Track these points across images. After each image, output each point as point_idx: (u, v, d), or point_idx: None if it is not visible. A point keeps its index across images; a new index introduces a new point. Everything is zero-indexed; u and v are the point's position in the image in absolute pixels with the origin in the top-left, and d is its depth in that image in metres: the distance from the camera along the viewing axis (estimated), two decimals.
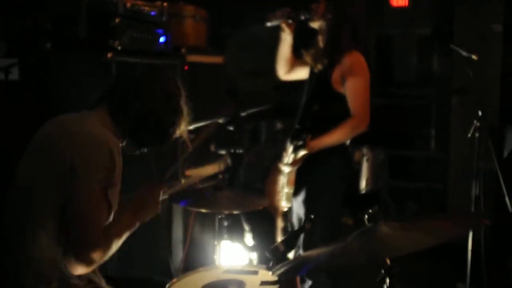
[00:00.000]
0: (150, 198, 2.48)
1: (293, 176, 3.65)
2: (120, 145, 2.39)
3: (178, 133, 2.52)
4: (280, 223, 3.87)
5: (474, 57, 4.05)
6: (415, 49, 7.11)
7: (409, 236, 2.06)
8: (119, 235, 2.30)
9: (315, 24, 3.73)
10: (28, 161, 2.33)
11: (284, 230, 3.86)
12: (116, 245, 2.28)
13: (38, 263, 2.23)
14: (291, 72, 3.99)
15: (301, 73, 3.93)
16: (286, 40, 3.88)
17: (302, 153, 3.49)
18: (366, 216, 2.11)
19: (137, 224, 2.40)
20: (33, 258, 2.23)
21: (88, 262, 2.20)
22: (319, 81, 3.71)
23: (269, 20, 3.81)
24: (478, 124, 3.96)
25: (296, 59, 3.97)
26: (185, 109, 2.51)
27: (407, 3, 6.85)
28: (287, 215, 3.85)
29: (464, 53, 4.11)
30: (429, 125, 6.79)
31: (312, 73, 3.81)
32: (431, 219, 2.24)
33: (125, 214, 2.40)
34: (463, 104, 5.81)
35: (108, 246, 2.25)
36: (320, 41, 3.73)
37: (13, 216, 2.30)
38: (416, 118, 6.90)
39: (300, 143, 3.43)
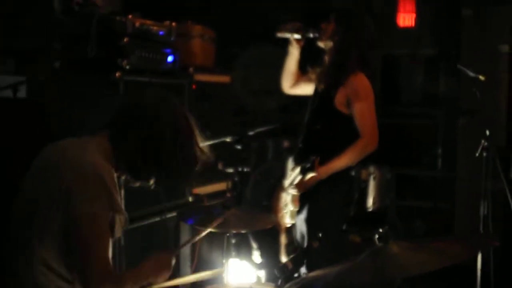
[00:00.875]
0: (166, 263, 2.46)
1: (297, 195, 3.66)
2: (115, 174, 2.36)
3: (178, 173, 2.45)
4: (283, 240, 3.87)
5: (481, 77, 4.05)
6: (421, 69, 7.12)
7: (420, 256, 2.06)
8: (133, 282, 2.28)
9: (322, 44, 3.75)
10: (28, 186, 2.32)
11: (288, 246, 3.86)
12: None
13: (43, 282, 2.22)
14: (295, 86, 4.01)
15: (306, 89, 3.95)
16: (293, 54, 3.90)
17: (310, 175, 3.50)
18: (376, 236, 2.10)
19: (146, 282, 2.37)
20: (37, 277, 2.21)
21: None
22: (322, 101, 3.73)
23: (280, 32, 3.83)
24: (485, 143, 3.96)
25: (302, 74, 3.98)
26: (192, 148, 2.44)
27: (413, 24, 6.87)
28: (291, 231, 3.85)
29: (471, 74, 4.11)
30: (436, 145, 6.78)
31: (316, 91, 3.82)
32: (441, 240, 2.24)
33: (140, 268, 2.39)
34: (470, 123, 5.80)
35: (120, 284, 2.22)
36: (326, 61, 3.74)
37: (16, 239, 2.28)
38: (423, 137, 6.90)
39: (308, 165, 3.43)
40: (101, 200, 2.18)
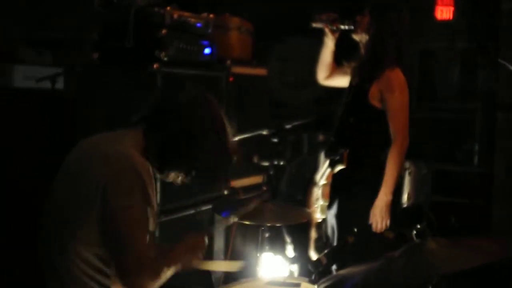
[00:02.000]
0: (198, 245, 2.49)
1: (327, 189, 3.65)
2: (151, 168, 2.37)
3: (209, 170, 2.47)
4: (313, 234, 3.86)
5: None
6: (459, 63, 7.03)
7: (457, 254, 2.04)
8: (168, 267, 2.28)
9: (357, 37, 3.72)
10: (61, 182, 2.33)
11: (317, 241, 3.85)
12: (164, 276, 2.26)
13: (79, 276, 2.23)
14: (330, 78, 3.98)
15: (341, 81, 3.92)
16: (328, 45, 3.88)
17: (338, 168, 3.49)
18: (414, 232, 2.08)
19: (181, 265, 2.37)
20: (74, 283, 2.22)
21: (138, 286, 2.19)
22: (356, 94, 3.70)
23: (315, 22, 3.81)
24: None
25: (337, 67, 3.96)
26: (224, 148, 2.44)
27: (451, 17, 6.78)
28: (321, 226, 3.84)
29: (511, 68, 4.05)
30: (472, 140, 6.70)
31: (350, 84, 3.80)
32: (478, 237, 2.22)
33: (173, 251, 2.40)
34: (508, 119, 5.72)
35: (157, 273, 2.23)
36: (361, 54, 3.72)
37: (51, 239, 2.29)
38: (459, 132, 6.82)
39: (337, 157, 3.42)
40: (137, 193, 2.19)
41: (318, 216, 3.76)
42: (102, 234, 2.18)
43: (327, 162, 3.55)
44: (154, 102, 2.46)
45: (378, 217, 3.53)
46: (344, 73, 3.89)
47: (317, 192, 3.72)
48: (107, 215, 2.17)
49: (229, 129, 2.47)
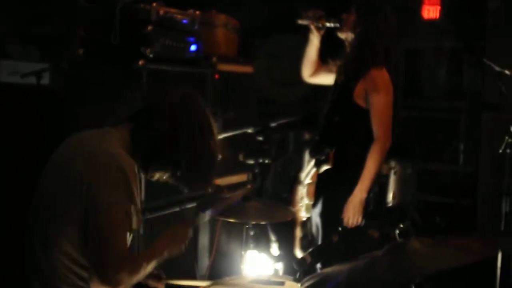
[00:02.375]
0: (182, 235, 2.48)
1: (312, 188, 3.65)
2: (136, 166, 2.36)
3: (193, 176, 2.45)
4: (298, 232, 3.86)
5: (507, 72, 4.01)
6: (445, 62, 7.05)
7: (440, 253, 2.05)
8: (148, 261, 2.30)
9: (343, 35, 3.72)
10: (47, 179, 2.33)
11: (302, 240, 3.85)
12: (144, 271, 2.27)
13: (60, 280, 2.23)
14: (315, 75, 3.98)
15: (326, 79, 3.92)
16: (313, 42, 3.87)
17: (324, 168, 3.49)
18: (397, 231, 2.09)
19: (165, 255, 2.39)
20: (55, 276, 2.23)
21: (114, 283, 2.18)
22: (341, 93, 3.70)
23: (301, 18, 3.80)
24: (510, 140, 3.92)
25: (322, 64, 3.96)
26: (211, 149, 2.44)
27: (438, 16, 6.80)
28: (306, 225, 3.85)
29: (497, 68, 4.07)
30: (458, 139, 6.72)
31: (336, 83, 3.80)
32: (461, 237, 2.22)
33: (157, 243, 2.40)
34: (494, 119, 5.74)
35: (136, 268, 2.24)
36: (347, 53, 3.71)
37: (35, 233, 2.30)
38: (445, 132, 6.84)
39: (323, 157, 3.43)
40: (120, 191, 2.19)
41: (303, 215, 3.77)
42: (84, 230, 2.18)
43: (312, 161, 3.56)
44: (141, 101, 2.47)
45: (351, 213, 3.53)
46: (329, 71, 3.89)
47: (302, 190, 3.73)
48: (90, 211, 2.17)
49: (215, 129, 2.47)
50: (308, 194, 3.65)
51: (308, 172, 3.64)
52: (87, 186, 2.17)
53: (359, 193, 3.53)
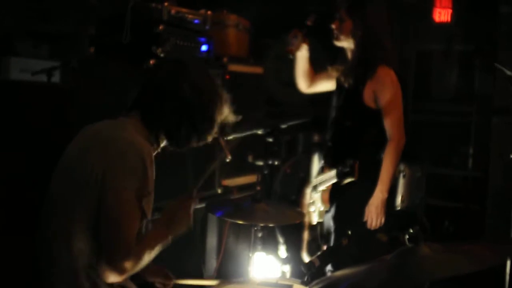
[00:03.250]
0: (182, 212, 2.42)
1: (327, 195, 3.63)
2: (154, 153, 2.37)
3: (216, 127, 2.49)
4: (306, 236, 3.85)
5: None
6: (456, 66, 7.03)
7: (450, 259, 2.03)
8: (151, 247, 2.28)
9: (341, 43, 3.68)
10: (61, 170, 2.34)
11: (310, 243, 3.84)
12: (148, 257, 2.26)
13: (70, 271, 2.23)
14: (313, 85, 3.97)
15: (326, 86, 3.92)
16: (302, 56, 3.86)
17: (348, 180, 3.46)
18: (407, 236, 2.07)
19: (170, 238, 2.36)
20: (66, 266, 2.23)
21: (120, 270, 2.18)
22: (350, 97, 3.68)
23: (290, 53, 3.80)
24: None
25: (317, 72, 3.94)
26: (220, 99, 2.49)
27: (449, 19, 6.78)
28: (315, 228, 3.83)
29: (508, 72, 4.04)
30: (467, 144, 6.69)
31: (340, 88, 3.77)
32: (470, 243, 2.21)
33: (158, 227, 2.39)
34: (504, 123, 5.72)
35: (140, 256, 2.23)
36: (349, 57, 3.68)
37: (47, 224, 2.30)
38: (454, 135, 6.82)
39: (347, 169, 3.39)
40: (135, 177, 2.20)
41: (314, 220, 3.75)
42: (97, 220, 2.18)
43: (332, 172, 3.50)
44: (140, 87, 2.48)
45: (374, 214, 3.53)
46: (328, 77, 3.87)
47: (313, 194, 3.71)
48: (103, 195, 2.17)
49: (211, 78, 2.52)
50: (323, 200, 3.63)
51: (324, 180, 3.60)
52: (103, 173, 2.18)
53: (380, 194, 3.52)
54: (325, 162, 3.65)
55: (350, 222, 3.54)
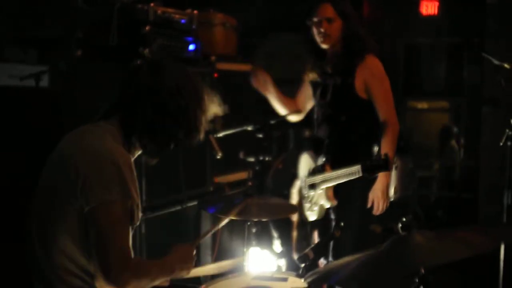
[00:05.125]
0: (188, 254, 2.44)
1: (331, 191, 3.60)
2: (133, 158, 2.35)
3: (197, 133, 2.42)
4: (295, 235, 3.84)
5: (506, 65, 4.01)
6: (444, 58, 7.07)
7: (443, 246, 2.04)
8: (156, 270, 2.28)
9: (330, 44, 3.65)
10: (47, 176, 2.32)
11: (300, 242, 3.82)
12: (146, 280, 2.24)
13: (60, 281, 2.23)
14: (303, 109, 3.94)
15: (310, 100, 3.90)
16: (271, 92, 3.86)
17: (380, 172, 3.41)
18: (400, 225, 2.08)
19: (170, 274, 2.36)
20: (55, 276, 2.22)
21: (119, 284, 2.17)
22: (340, 92, 3.66)
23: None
24: (510, 133, 3.92)
25: (297, 90, 3.93)
26: (202, 101, 2.43)
27: (436, 12, 6.81)
28: (304, 226, 3.81)
29: (496, 62, 4.07)
30: (458, 134, 6.73)
31: (324, 85, 3.74)
32: (464, 230, 2.21)
33: (165, 259, 2.37)
34: (494, 113, 5.75)
35: (139, 272, 2.21)
36: (331, 53, 3.67)
37: (35, 232, 2.28)
38: (445, 126, 6.85)
39: (379, 162, 3.29)
40: (117, 188, 2.17)
41: (312, 217, 3.71)
42: (84, 230, 2.17)
43: (354, 168, 3.40)
44: (119, 89, 2.42)
45: (380, 199, 3.52)
46: (308, 87, 3.86)
47: (310, 192, 3.68)
48: (89, 209, 2.15)
49: (193, 77, 2.45)
50: (328, 197, 3.59)
51: (327, 179, 3.56)
52: (85, 185, 2.15)
53: (384, 178, 3.51)
54: (326, 160, 3.61)
55: (343, 215, 3.53)
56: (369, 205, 3.54)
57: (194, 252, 2.48)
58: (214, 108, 2.53)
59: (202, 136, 2.47)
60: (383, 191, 3.52)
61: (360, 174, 3.30)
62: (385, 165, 3.24)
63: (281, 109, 3.91)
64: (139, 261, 2.28)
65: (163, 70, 2.38)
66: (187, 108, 2.37)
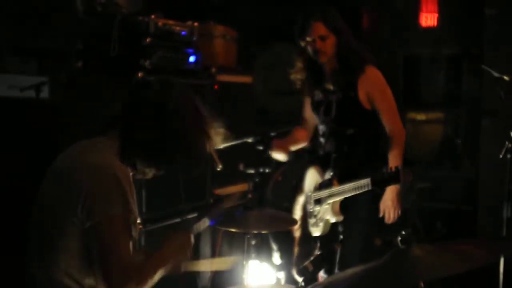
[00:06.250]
0: (185, 241, 2.47)
1: (338, 206, 3.58)
2: (131, 172, 2.35)
3: (199, 153, 2.43)
4: (296, 251, 3.82)
5: (505, 77, 4.02)
6: (443, 69, 7.08)
7: (442, 259, 2.04)
8: (155, 270, 2.28)
9: (326, 59, 3.64)
10: (46, 192, 2.32)
11: (299, 258, 3.80)
12: (151, 280, 2.25)
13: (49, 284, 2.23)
14: (309, 131, 3.97)
15: (314, 120, 3.91)
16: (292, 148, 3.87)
17: (392, 185, 3.42)
18: (399, 238, 2.08)
19: (171, 264, 2.37)
20: (58, 285, 2.21)
21: None
22: (343, 106, 3.66)
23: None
24: (510, 145, 3.92)
25: (303, 122, 3.95)
26: (202, 131, 2.42)
27: (436, 23, 6.83)
28: (308, 242, 3.79)
29: (495, 74, 4.08)
30: (458, 146, 6.72)
31: (326, 101, 3.74)
32: (463, 243, 2.21)
33: (161, 251, 2.39)
34: (493, 124, 5.76)
35: (143, 278, 2.22)
36: (329, 68, 3.67)
37: (35, 244, 2.28)
38: (444, 138, 6.85)
39: (390, 174, 3.27)
40: (118, 202, 2.18)
41: (318, 232, 3.69)
42: (85, 245, 2.17)
43: (363, 182, 3.38)
44: (121, 105, 2.42)
45: (391, 208, 3.53)
46: (310, 112, 3.88)
47: (315, 207, 3.66)
48: (90, 225, 2.15)
49: (194, 102, 2.43)
50: (334, 212, 3.58)
51: (335, 194, 3.54)
52: (85, 200, 2.15)
53: (394, 187, 3.51)
54: (333, 175, 3.60)
55: (357, 227, 3.54)
56: (380, 215, 3.55)
57: (192, 240, 2.48)
58: (215, 140, 2.52)
59: (202, 165, 2.48)
60: (393, 199, 3.53)
61: (370, 188, 3.27)
62: (396, 178, 3.20)
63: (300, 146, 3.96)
64: (140, 266, 2.26)
65: (170, 90, 2.39)
66: (188, 132, 2.38)
